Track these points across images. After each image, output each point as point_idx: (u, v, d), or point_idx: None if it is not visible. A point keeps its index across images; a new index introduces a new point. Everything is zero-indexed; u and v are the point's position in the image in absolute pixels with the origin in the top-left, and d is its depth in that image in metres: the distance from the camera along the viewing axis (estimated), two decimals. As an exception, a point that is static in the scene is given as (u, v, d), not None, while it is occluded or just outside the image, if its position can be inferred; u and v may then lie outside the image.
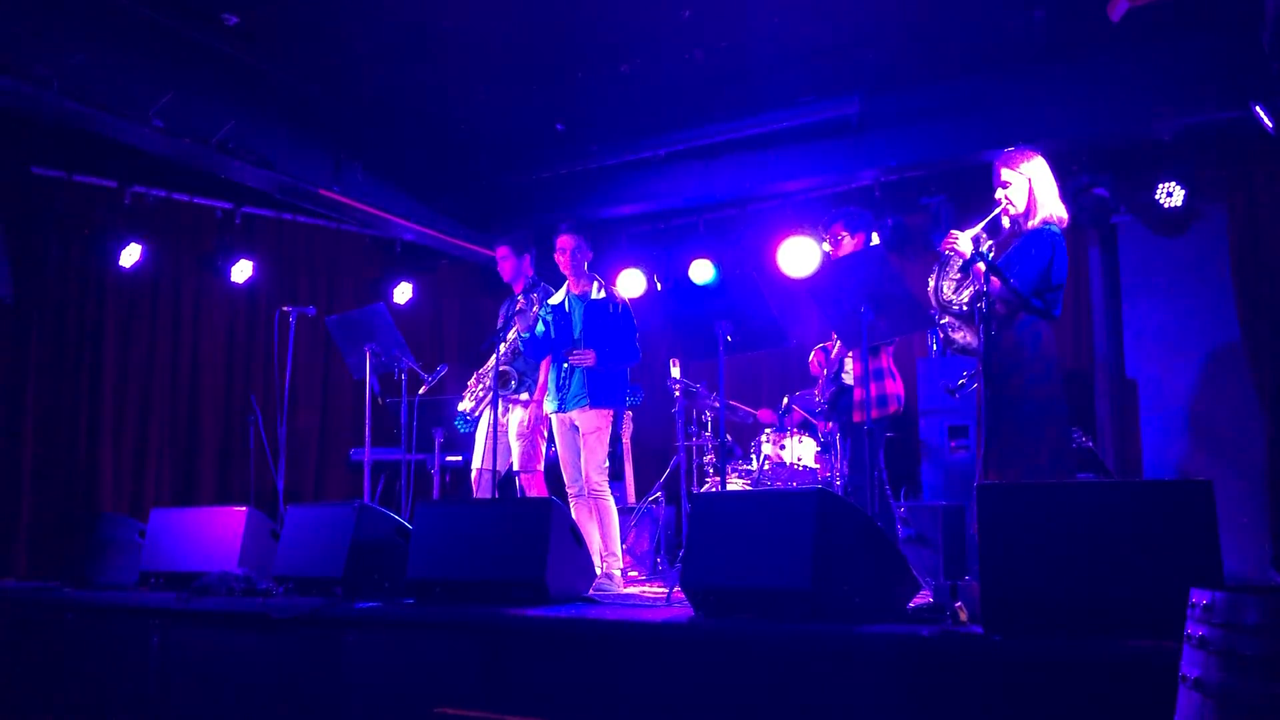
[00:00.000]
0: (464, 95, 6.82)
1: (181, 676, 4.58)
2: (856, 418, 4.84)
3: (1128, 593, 2.76)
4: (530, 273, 5.97)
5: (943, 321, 4.39)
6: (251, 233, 7.77)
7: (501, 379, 5.67)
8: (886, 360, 4.83)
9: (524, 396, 5.72)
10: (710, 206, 7.79)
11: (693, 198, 7.62)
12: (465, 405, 5.91)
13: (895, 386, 4.77)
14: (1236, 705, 1.83)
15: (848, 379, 5.02)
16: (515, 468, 5.35)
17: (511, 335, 5.58)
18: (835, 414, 5.03)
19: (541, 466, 5.82)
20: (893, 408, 4.79)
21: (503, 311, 5.99)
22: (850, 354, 4.99)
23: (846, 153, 6.96)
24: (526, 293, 5.86)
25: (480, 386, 5.86)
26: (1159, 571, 2.73)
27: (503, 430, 5.75)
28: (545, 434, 5.83)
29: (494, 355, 5.79)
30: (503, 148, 7.74)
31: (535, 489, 5.70)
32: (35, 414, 6.88)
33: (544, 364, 5.77)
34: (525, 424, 5.72)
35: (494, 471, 5.33)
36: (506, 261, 5.93)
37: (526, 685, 3.66)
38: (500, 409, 5.77)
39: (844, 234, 5.11)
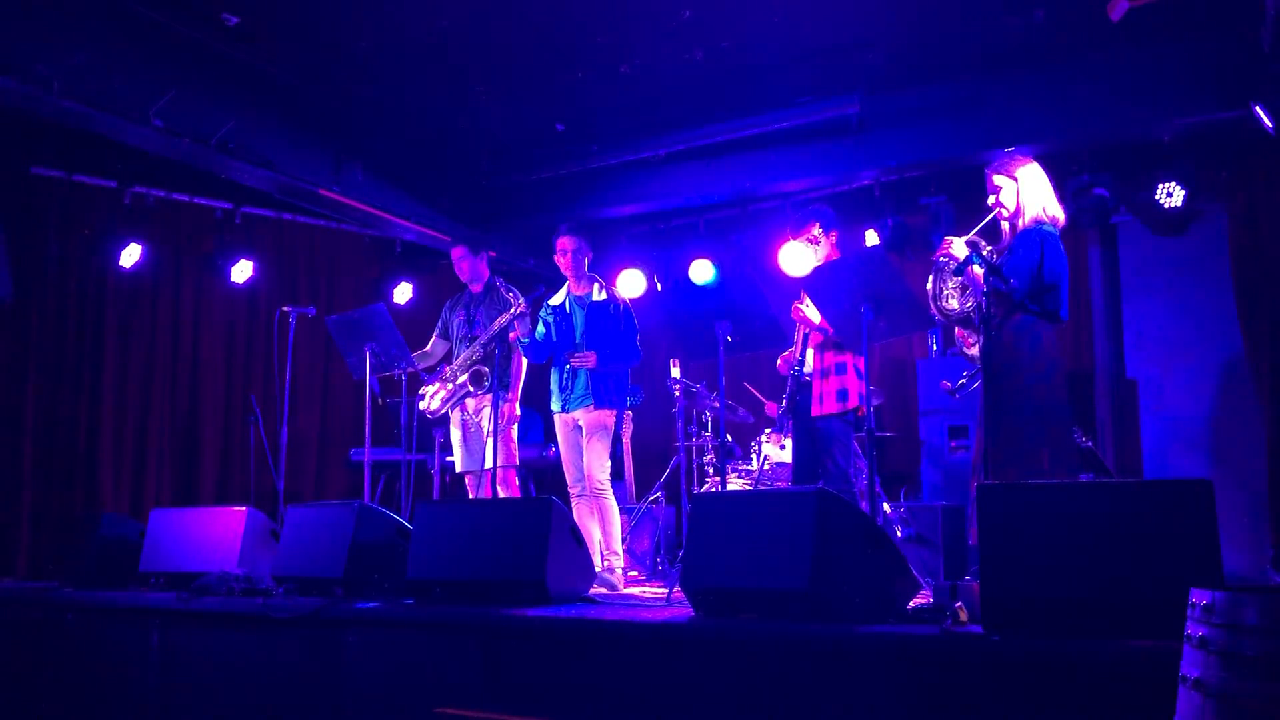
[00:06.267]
0: (464, 95, 6.82)
1: (181, 676, 4.59)
2: (815, 411, 4.82)
3: (1128, 593, 2.75)
4: (486, 274, 5.98)
5: (956, 335, 4.40)
6: (251, 233, 7.77)
7: (476, 378, 5.68)
8: (850, 357, 4.80)
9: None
10: (710, 206, 7.79)
11: (693, 198, 7.62)
12: (432, 405, 5.88)
13: (859, 385, 4.74)
14: (1236, 705, 1.83)
15: (808, 372, 4.99)
16: (489, 465, 5.34)
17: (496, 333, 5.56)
18: (794, 409, 5.00)
19: (517, 463, 5.83)
20: (852, 403, 4.78)
21: (460, 311, 5.99)
22: (810, 348, 4.97)
23: (846, 153, 6.95)
24: (487, 293, 5.88)
25: (445, 385, 5.82)
26: (1159, 571, 2.73)
27: (476, 428, 5.75)
28: (516, 431, 5.85)
29: (463, 354, 5.80)
30: (503, 148, 7.74)
31: (510, 487, 5.70)
32: (35, 414, 6.88)
33: (517, 362, 5.78)
34: (503, 420, 5.68)
35: (493, 471, 5.33)
36: (464, 262, 5.97)
37: (526, 685, 3.66)
38: (472, 407, 5.78)
39: (819, 232, 5.04)
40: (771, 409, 6.77)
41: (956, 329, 4.36)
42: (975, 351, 4.29)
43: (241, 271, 7.50)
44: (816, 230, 4.99)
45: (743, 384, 7.07)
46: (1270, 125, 5.52)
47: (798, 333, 5.03)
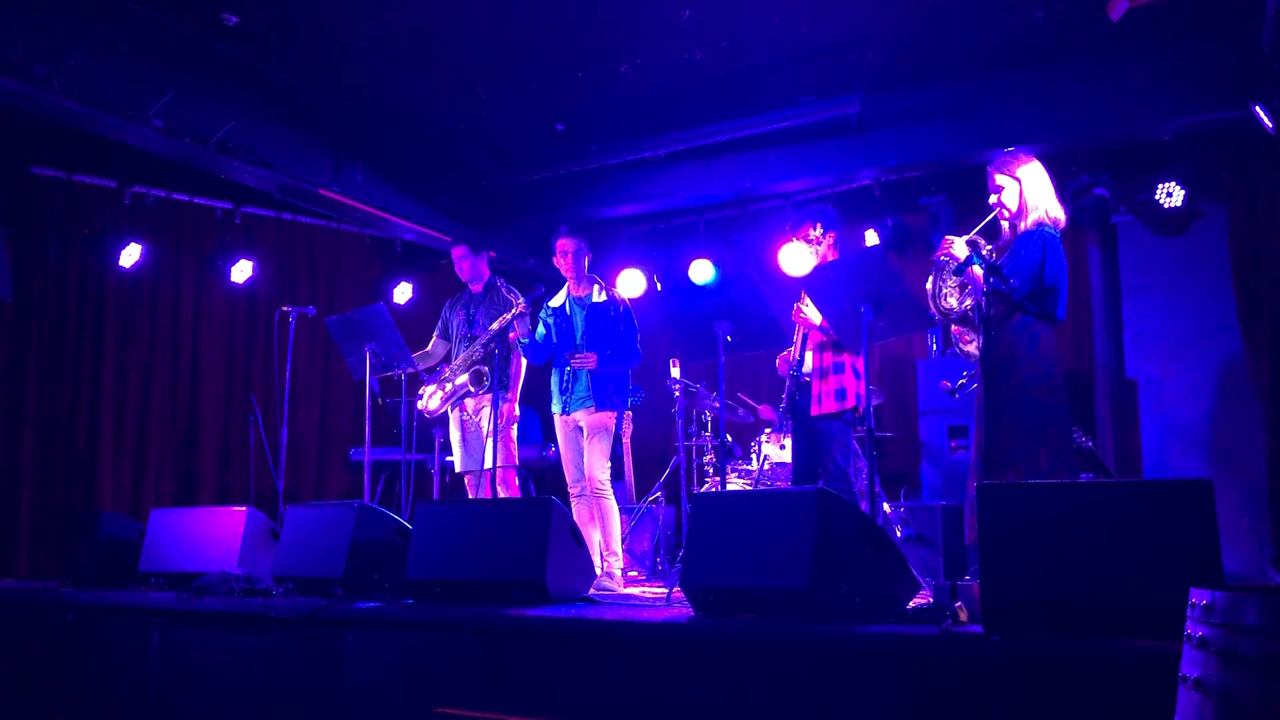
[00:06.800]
0: (464, 95, 6.82)
1: (181, 676, 4.59)
2: (814, 411, 4.83)
3: (1128, 593, 2.75)
4: (487, 274, 5.98)
5: (952, 333, 4.40)
6: (251, 233, 7.77)
7: (477, 377, 5.68)
8: (849, 357, 4.81)
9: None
10: (710, 206, 7.79)
11: (693, 198, 7.62)
12: (430, 404, 5.88)
13: (857, 385, 4.75)
14: (1236, 705, 1.83)
15: (807, 372, 4.99)
16: (489, 465, 5.35)
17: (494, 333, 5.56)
18: (793, 409, 5.00)
19: (517, 463, 5.84)
20: (850, 403, 4.78)
21: (461, 311, 6.00)
22: (809, 349, 4.97)
23: (846, 153, 6.96)
24: (487, 293, 5.88)
25: (444, 385, 5.82)
26: (1159, 571, 2.73)
27: (475, 428, 5.75)
28: (515, 432, 5.85)
29: (463, 354, 5.80)
30: (503, 148, 7.75)
31: (510, 487, 5.70)
32: (35, 414, 6.88)
33: (517, 362, 5.78)
34: (502, 420, 5.65)
35: (492, 471, 5.33)
36: (464, 261, 5.95)
37: (526, 685, 3.66)
38: (471, 407, 5.78)
39: (817, 233, 5.02)
40: (765, 412, 6.77)
41: (954, 327, 4.35)
42: (971, 349, 4.29)
43: (241, 271, 7.51)
44: (815, 231, 4.99)
45: (737, 395, 7.06)
46: (1270, 125, 5.51)
47: (797, 333, 5.03)
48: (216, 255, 7.47)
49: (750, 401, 6.96)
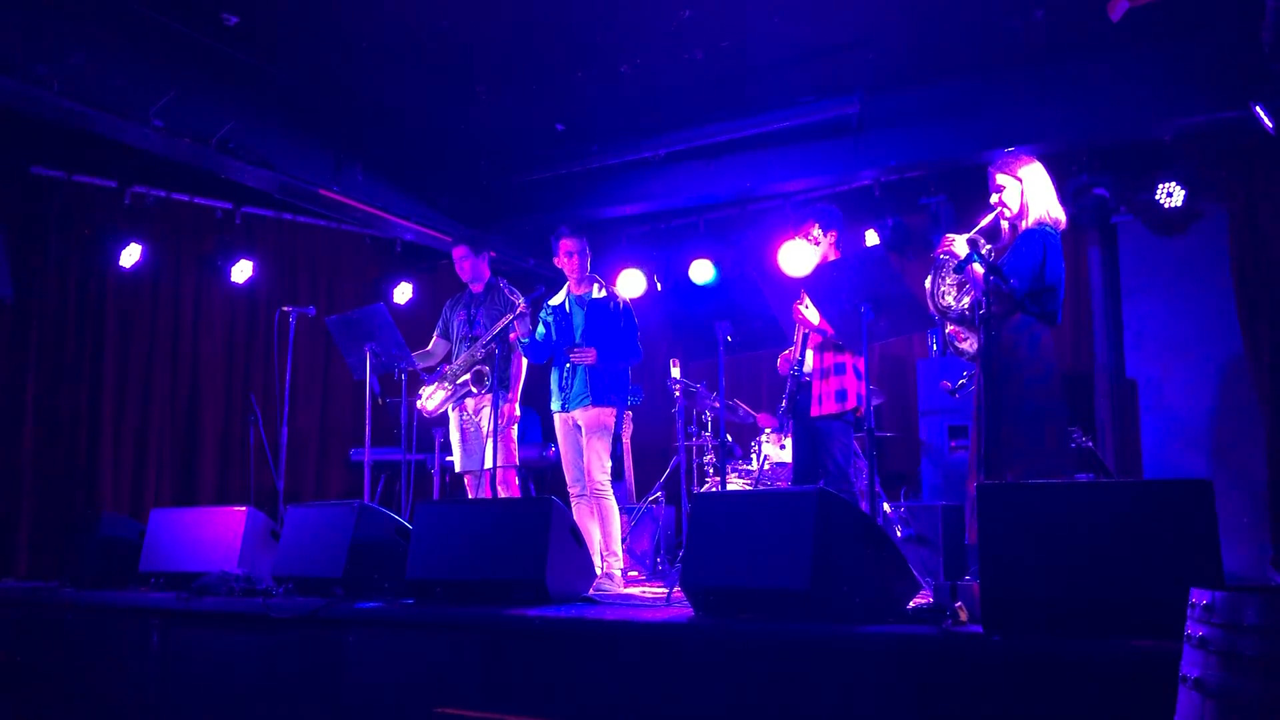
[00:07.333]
0: (464, 95, 6.83)
1: (181, 676, 4.59)
2: (814, 411, 4.83)
3: (1128, 593, 2.75)
4: (487, 274, 5.98)
5: (948, 331, 4.40)
6: (251, 233, 7.78)
7: (478, 378, 5.68)
8: (849, 358, 4.81)
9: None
10: (710, 206, 7.79)
11: (693, 198, 7.62)
12: (429, 404, 5.88)
13: (858, 385, 4.74)
14: (1236, 705, 1.83)
15: (807, 372, 4.99)
16: (489, 465, 5.34)
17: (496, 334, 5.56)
18: (793, 410, 5.00)
19: (517, 463, 5.84)
20: (851, 404, 4.78)
21: (461, 311, 5.99)
22: (809, 349, 4.97)
23: (846, 153, 6.96)
24: (488, 293, 5.88)
25: (445, 385, 5.83)
26: (1159, 571, 2.73)
27: (475, 428, 5.75)
28: (516, 432, 5.85)
29: (464, 354, 5.80)
30: (503, 148, 7.75)
31: (510, 487, 5.70)
32: (35, 414, 6.88)
33: (517, 362, 5.78)
34: (503, 420, 5.63)
35: (492, 471, 5.33)
36: (465, 261, 5.96)
37: (527, 685, 3.66)
38: (471, 407, 5.78)
39: (818, 232, 5.02)
40: (764, 420, 6.76)
41: (950, 326, 4.36)
42: (966, 346, 4.29)
43: (241, 271, 7.51)
44: (816, 230, 4.99)
45: (734, 400, 7.06)
46: (1270, 125, 5.51)
47: (797, 333, 5.03)
48: (216, 255, 7.47)
49: (749, 409, 6.96)
